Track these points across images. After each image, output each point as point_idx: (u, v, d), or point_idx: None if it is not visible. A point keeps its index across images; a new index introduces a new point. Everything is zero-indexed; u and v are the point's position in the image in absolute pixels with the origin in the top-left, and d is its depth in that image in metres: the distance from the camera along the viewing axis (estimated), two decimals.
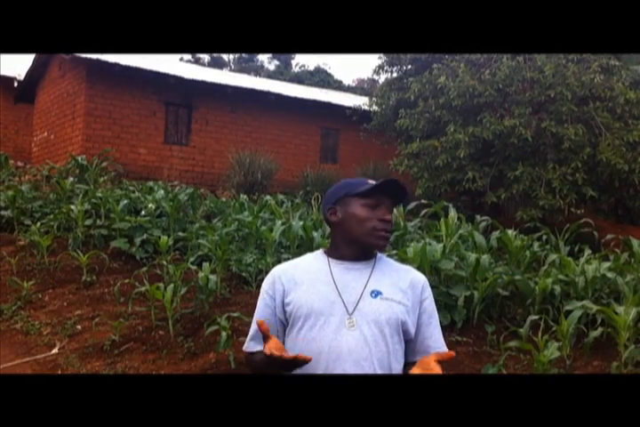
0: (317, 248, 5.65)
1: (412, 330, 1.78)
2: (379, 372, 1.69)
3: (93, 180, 9.62)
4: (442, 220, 6.53)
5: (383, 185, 1.78)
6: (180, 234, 7.23)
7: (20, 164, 14.17)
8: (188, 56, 33.72)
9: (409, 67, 12.94)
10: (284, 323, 1.79)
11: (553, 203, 9.09)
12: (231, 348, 4.53)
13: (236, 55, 35.80)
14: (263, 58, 36.80)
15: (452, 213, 6.74)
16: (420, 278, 1.85)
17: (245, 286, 6.16)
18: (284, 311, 1.77)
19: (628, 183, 9.81)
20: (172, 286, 5.23)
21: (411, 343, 1.79)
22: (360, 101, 14.06)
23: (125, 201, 7.88)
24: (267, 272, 6.08)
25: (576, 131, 9.14)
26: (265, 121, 14.37)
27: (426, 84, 10.68)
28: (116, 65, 12.07)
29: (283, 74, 29.90)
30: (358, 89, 28.15)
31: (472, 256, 5.45)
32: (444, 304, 5.10)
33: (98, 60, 11.89)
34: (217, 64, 32.43)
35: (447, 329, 4.75)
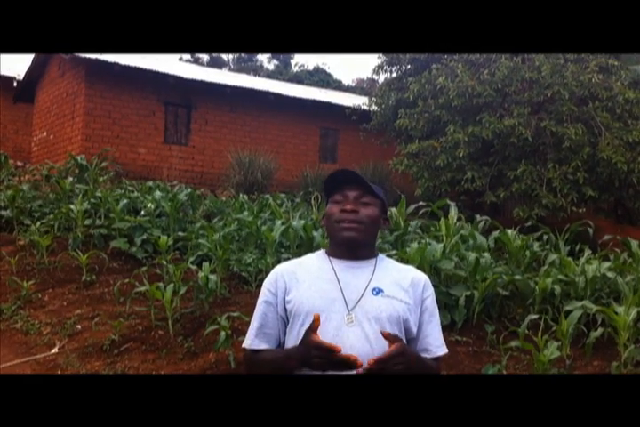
0: (317, 248, 5.67)
1: (414, 329, 1.78)
2: None
3: (93, 179, 9.62)
4: (442, 220, 6.53)
5: (331, 179, 1.81)
6: (180, 234, 7.24)
7: (19, 163, 14.17)
8: (187, 56, 33.74)
9: (408, 67, 12.94)
10: (285, 321, 1.79)
11: (555, 202, 9.10)
12: (231, 348, 4.53)
13: (236, 55, 35.81)
14: (262, 58, 36.83)
15: (453, 212, 6.74)
16: (422, 277, 1.85)
17: (245, 286, 6.16)
18: (285, 309, 1.78)
19: (627, 183, 9.82)
20: (171, 285, 5.23)
21: (412, 342, 1.80)
22: (359, 101, 14.05)
23: (125, 201, 7.89)
24: (267, 272, 6.08)
25: (576, 130, 9.14)
26: (264, 121, 14.37)
27: (425, 84, 10.69)
28: (116, 65, 12.07)
29: (282, 74, 29.90)
30: (358, 89, 28.16)
31: (472, 256, 5.45)
32: (444, 304, 5.10)
33: (97, 60, 11.89)
34: (216, 64, 32.42)
35: (447, 329, 4.75)
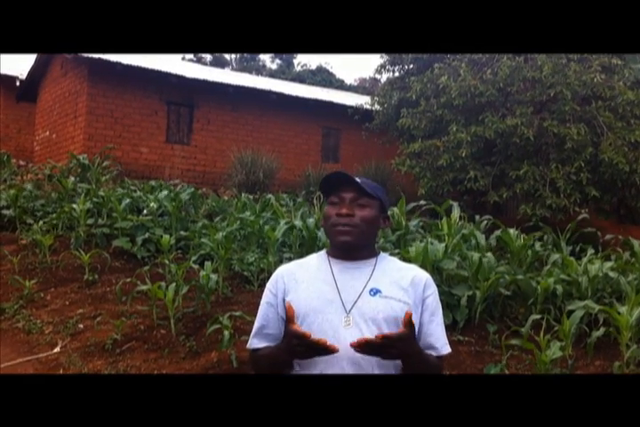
0: (322, 247, 5.67)
1: (415, 328, 1.77)
2: (377, 370, 1.68)
3: (95, 179, 9.62)
4: (444, 219, 6.53)
5: (325, 181, 1.80)
6: (182, 233, 7.24)
7: (22, 163, 14.18)
8: (189, 55, 33.74)
9: (411, 66, 12.94)
10: (285, 321, 1.79)
11: (559, 202, 9.10)
12: (233, 347, 4.53)
13: (238, 54, 35.80)
14: (265, 57, 36.78)
15: (456, 212, 6.73)
16: (423, 276, 1.84)
17: (247, 286, 6.16)
18: (285, 309, 1.78)
19: (629, 183, 9.81)
20: (173, 285, 5.24)
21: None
22: (362, 101, 14.04)
23: (127, 200, 7.89)
24: (268, 271, 6.09)
25: (578, 130, 9.13)
26: (266, 120, 14.37)
27: (427, 83, 10.68)
28: (118, 64, 12.07)
29: (284, 73, 29.88)
30: (360, 88, 28.16)
31: (474, 256, 5.45)
32: (446, 304, 5.09)
33: (100, 60, 11.90)
34: (219, 63, 32.41)
35: (449, 329, 4.75)
